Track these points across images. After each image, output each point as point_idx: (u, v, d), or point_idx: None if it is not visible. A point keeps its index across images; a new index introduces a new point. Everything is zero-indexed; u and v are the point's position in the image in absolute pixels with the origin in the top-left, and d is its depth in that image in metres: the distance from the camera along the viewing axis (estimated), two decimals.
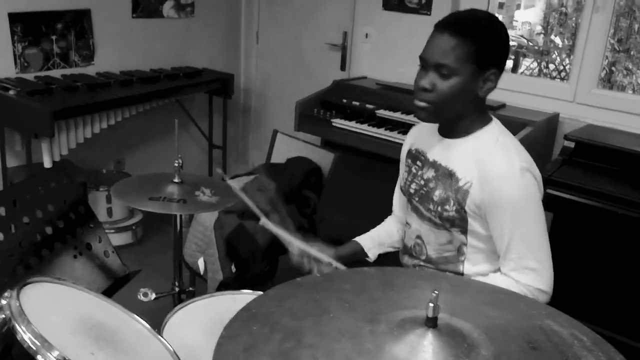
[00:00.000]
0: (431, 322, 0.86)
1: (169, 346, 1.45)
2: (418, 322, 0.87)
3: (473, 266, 1.63)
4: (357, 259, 1.86)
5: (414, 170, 1.72)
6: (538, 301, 1.48)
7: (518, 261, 1.52)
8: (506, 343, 0.89)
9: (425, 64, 1.54)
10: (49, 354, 1.18)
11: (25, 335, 1.20)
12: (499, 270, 1.61)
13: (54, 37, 3.41)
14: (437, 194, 1.60)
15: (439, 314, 0.86)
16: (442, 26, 1.52)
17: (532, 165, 1.54)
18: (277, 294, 1.03)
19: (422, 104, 1.54)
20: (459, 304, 0.99)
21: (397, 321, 0.90)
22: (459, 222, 1.58)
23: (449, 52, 1.48)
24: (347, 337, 0.88)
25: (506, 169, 1.49)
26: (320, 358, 0.84)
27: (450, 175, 1.58)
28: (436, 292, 0.85)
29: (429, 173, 1.65)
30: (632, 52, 5.41)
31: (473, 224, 1.57)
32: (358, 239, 1.90)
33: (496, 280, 1.56)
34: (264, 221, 1.77)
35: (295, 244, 1.75)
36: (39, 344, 1.19)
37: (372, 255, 1.88)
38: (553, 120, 3.00)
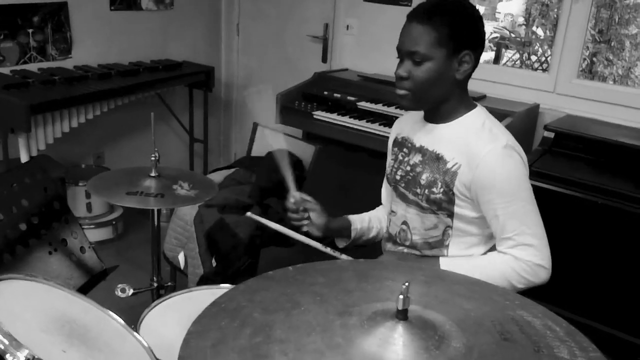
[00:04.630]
0: (401, 315, 0.84)
1: (144, 342, 1.43)
2: (389, 315, 0.86)
3: (458, 250, 1.64)
4: (343, 235, 1.87)
5: (400, 157, 1.74)
6: (539, 277, 1.52)
7: (515, 238, 1.53)
8: (478, 335, 0.88)
9: (400, 54, 1.60)
10: (17, 353, 1.15)
11: None
12: (483, 254, 1.63)
13: (30, 31, 3.35)
14: (425, 177, 1.62)
15: (409, 306, 0.85)
16: (410, 15, 1.59)
17: (517, 146, 1.57)
18: (248, 287, 1.01)
19: (402, 92, 1.60)
20: (432, 296, 0.98)
21: (369, 314, 0.89)
22: (446, 205, 1.59)
23: (418, 39, 1.53)
24: (318, 330, 0.86)
25: (493, 150, 1.51)
26: (290, 353, 0.82)
27: (437, 158, 1.60)
28: (406, 283, 0.83)
29: (416, 158, 1.67)
30: (612, 43, 5.44)
31: (460, 205, 1.58)
32: (350, 216, 1.91)
33: (494, 258, 1.58)
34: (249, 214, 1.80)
35: (293, 236, 1.77)
36: (7, 342, 1.16)
37: (353, 234, 1.88)
38: (533, 111, 3.00)
